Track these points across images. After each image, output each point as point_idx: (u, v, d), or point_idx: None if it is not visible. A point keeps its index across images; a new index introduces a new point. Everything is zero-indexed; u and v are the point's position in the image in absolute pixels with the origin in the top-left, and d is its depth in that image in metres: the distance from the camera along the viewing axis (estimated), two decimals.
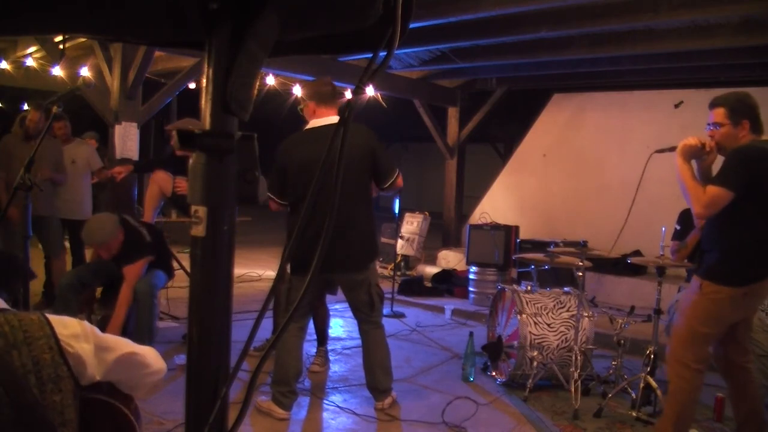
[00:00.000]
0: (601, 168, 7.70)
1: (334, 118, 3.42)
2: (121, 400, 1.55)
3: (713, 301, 2.83)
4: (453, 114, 8.85)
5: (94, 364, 1.44)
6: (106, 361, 1.47)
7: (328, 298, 4.37)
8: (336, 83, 3.66)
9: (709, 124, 2.94)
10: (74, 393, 1.40)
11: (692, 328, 2.89)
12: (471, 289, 6.70)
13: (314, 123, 3.46)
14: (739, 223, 2.80)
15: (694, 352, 2.88)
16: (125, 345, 1.55)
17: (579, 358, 3.80)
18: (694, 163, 2.95)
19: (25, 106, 10.00)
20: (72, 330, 1.43)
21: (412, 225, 8.06)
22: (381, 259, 8.25)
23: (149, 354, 1.60)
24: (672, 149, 3.02)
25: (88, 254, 5.09)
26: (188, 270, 1.15)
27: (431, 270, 7.49)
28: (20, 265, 3.20)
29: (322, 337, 4.46)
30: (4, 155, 5.17)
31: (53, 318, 1.42)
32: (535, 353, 3.92)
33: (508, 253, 6.61)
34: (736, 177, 2.73)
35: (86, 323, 1.48)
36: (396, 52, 0.77)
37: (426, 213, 8.16)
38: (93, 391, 1.48)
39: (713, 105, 2.93)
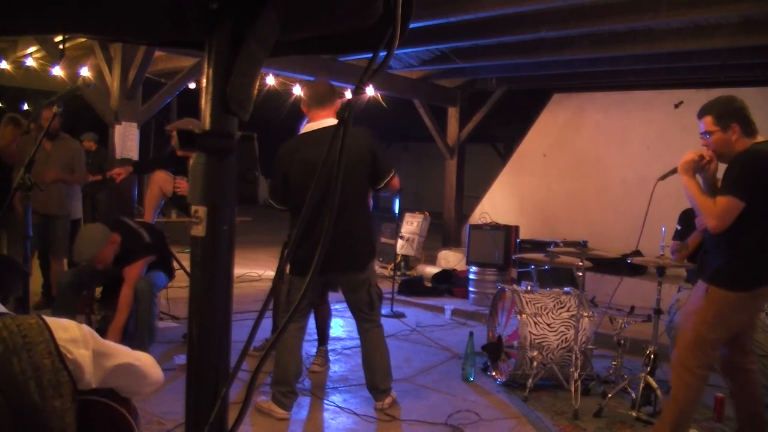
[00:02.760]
0: (601, 168, 7.70)
1: (331, 120, 3.42)
2: (119, 401, 1.54)
3: (720, 306, 2.81)
4: (453, 114, 8.85)
5: (91, 371, 1.42)
6: (104, 367, 1.46)
7: (329, 297, 4.37)
8: (336, 83, 3.66)
9: (701, 134, 2.94)
10: (73, 397, 1.38)
11: (700, 334, 2.86)
12: (471, 289, 6.70)
13: (311, 126, 3.47)
14: (747, 228, 2.77)
15: (700, 358, 2.87)
16: (124, 354, 1.53)
17: (579, 358, 3.80)
18: (699, 177, 2.94)
19: (26, 106, 10.03)
20: (71, 334, 1.41)
21: (412, 225, 8.06)
22: (381, 259, 8.25)
23: (147, 363, 1.59)
24: (674, 172, 3.04)
25: None
26: (188, 270, 1.15)
27: (431, 270, 7.48)
28: (19, 269, 3.19)
29: (323, 336, 4.46)
30: (19, 157, 5.18)
31: (52, 321, 1.40)
32: (535, 353, 3.92)
33: (508, 253, 6.60)
34: (743, 184, 2.72)
35: (85, 327, 1.47)
36: (396, 52, 0.77)
37: (426, 213, 8.16)
38: (91, 393, 1.47)
39: (700, 114, 2.94)
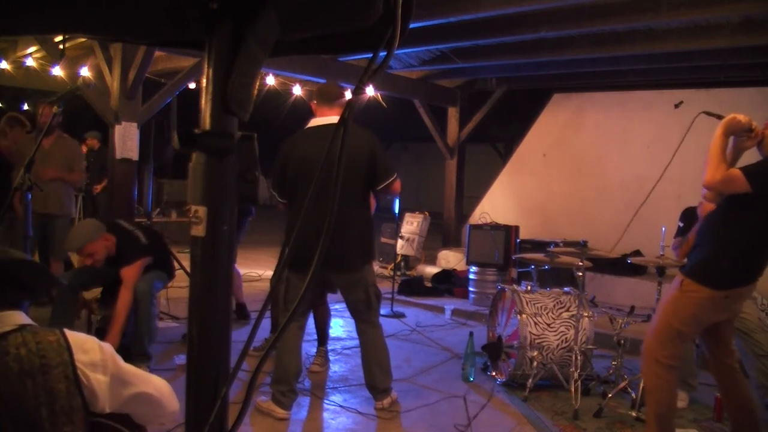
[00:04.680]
0: (601, 168, 7.70)
1: (334, 118, 3.43)
2: (133, 427, 1.50)
3: (693, 300, 2.81)
4: (453, 114, 8.85)
5: (106, 398, 1.38)
6: (121, 396, 1.42)
7: (329, 297, 4.37)
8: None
9: None
10: (85, 422, 1.34)
11: (669, 325, 2.87)
12: (471, 289, 6.70)
13: (314, 122, 3.50)
14: (737, 225, 2.77)
15: (668, 349, 2.86)
16: (143, 382, 1.48)
17: (579, 358, 3.80)
18: (730, 141, 2.83)
19: (26, 106, 10.03)
20: (91, 357, 1.36)
21: (412, 225, 8.06)
22: (381, 259, 8.25)
23: (165, 395, 1.53)
24: (719, 117, 2.89)
25: (75, 260, 5.03)
26: (188, 270, 1.15)
27: (431, 270, 7.48)
28: (50, 276, 3.16)
29: (323, 336, 4.46)
30: (18, 157, 5.18)
31: (73, 340, 1.35)
32: (535, 353, 3.92)
33: (508, 253, 6.61)
34: (761, 175, 2.68)
35: (107, 348, 1.42)
36: (396, 52, 0.77)
37: (426, 213, 8.16)
38: (104, 417, 1.42)
39: None
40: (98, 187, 7.34)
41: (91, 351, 1.37)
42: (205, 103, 0.69)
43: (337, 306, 5.61)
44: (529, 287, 4.25)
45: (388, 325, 4.49)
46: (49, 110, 5.16)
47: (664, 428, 2.89)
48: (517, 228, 6.90)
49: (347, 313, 3.81)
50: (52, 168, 5.08)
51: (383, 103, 8.17)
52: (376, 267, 7.75)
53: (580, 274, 4.01)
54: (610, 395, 3.67)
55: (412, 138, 18.71)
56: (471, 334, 4.24)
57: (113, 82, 5.68)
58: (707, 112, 3.06)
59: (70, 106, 5.25)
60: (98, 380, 1.36)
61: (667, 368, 2.86)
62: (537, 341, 3.94)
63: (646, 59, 6.51)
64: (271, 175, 3.52)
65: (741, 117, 2.81)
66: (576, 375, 3.72)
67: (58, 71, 7.13)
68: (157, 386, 1.52)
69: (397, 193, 3.62)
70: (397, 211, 7.29)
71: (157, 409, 1.52)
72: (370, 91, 7.22)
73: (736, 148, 2.86)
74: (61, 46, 6.62)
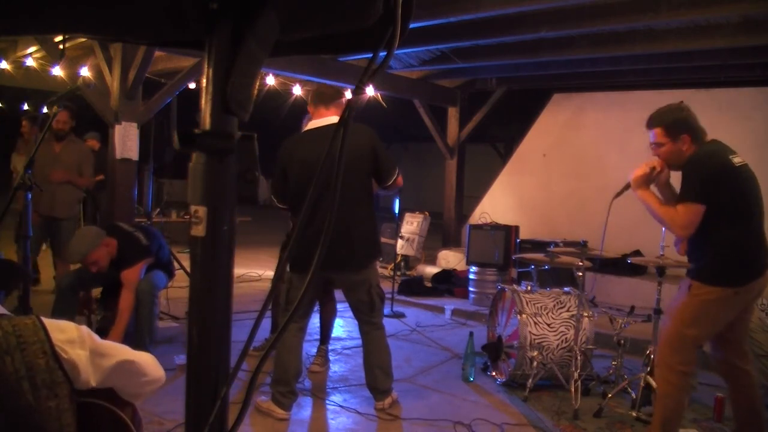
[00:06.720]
0: (601, 168, 7.69)
1: (333, 118, 3.43)
2: (122, 406, 1.52)
3: (704, 303, 2.80)
4: (453, 114, 8.85)
5: (89, 370, 1.41)
6: (102, 367, 1.45)
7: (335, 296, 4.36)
8: (336, 83, 3.69)
9: (651, 144, 2.97)
10: (71, 398, 1.37)
11: (680, 332, 2.85)
12: (471, 289, 6.70)
13: (314, 123, 3.49)
14: (723, 227, 2.77)
15: (682, 355, 2.86)
16: (123, 352, 1.52)
17: (579, 358, 3.80)
18: (653, 187, 2.98)
19: (25, 106, 10.02)
20: (68, 335, 1.40)
21: (412, 225, 8.06)
22: (381, 259, 8.25)
23: (147, 362, 1.57)
24: (627, 187, 3.08)
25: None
26: (188, 270, 1.16)
27: (431, 270, 7.48)
28: (19, 269, 3.19)
29: (325, 334, 4.45)
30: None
31: (49, 323, 1.39)
32: (535, 353, 3.91)
33: (508, 253, 6.60)
34: (701, 188, 2.74)
35: (84, 328, 1.46)
36: (396, 52, 0.77)
37: (426, 213, 8.16)
38: (92, 396, 1.45)
39: (650, 125, 2.95)
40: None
41: (67, 330, 1.41)
42: (205, 103, 0.69)
43: (338, 306, 5.62)
44: (529, 287, 4.25)
45: (388, 325, 4.47)
46: (65, 116, 5.21)
47: None
48: (517, 228, 6.90)
49: (347, 313, 3.81)
50: (62, 171, 5.11)
51: (383, 103, 8.17)
52: (377, 267, 7.77)
53: (580, 274, 4.01)
54: (610, 395, 3.67)
55: (412, 138, 18.72)
56: (471, 334, 4.24)
57: (113, 82, 5.68)
58: (616, 195, 3.25)
59: (74, 106, 5.26)
60: (78, 354, 1.39)
61: (679, 374, 2.85)
62: (537, 341, 3.94)
63: (646, 59, 6.50)
64: (272, 179, 3.52)
65: (639, 171, 2.97)
66: (576, 375, 3.72)
67: (58, 71, 7.13)
68: (137, 355, 1.56)
69: (400, 186, 3.64)
70: (397, 211, 7.29)
71: (140, 376, 1.55)
72: (370, 91, 7.22)
73: (660, 187, 2.99)
74: (61, 46, 6.61)
